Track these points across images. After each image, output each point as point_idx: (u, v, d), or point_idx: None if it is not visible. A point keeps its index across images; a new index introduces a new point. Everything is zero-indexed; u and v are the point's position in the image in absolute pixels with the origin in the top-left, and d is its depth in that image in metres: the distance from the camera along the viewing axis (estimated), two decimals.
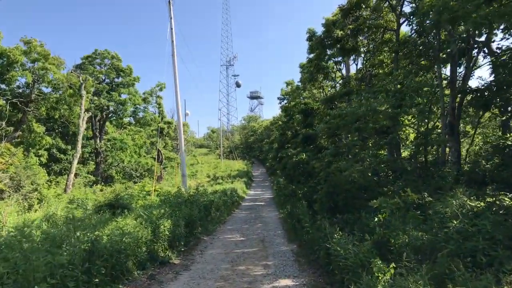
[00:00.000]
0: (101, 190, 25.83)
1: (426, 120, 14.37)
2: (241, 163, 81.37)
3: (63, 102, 33.29)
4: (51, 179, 35.65)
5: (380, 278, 5.90)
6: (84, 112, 31.77)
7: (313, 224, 12.75)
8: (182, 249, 12.30)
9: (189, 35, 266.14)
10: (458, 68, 14.67)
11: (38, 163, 34.62)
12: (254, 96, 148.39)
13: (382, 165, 14.12)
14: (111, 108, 44.72)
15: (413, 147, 15.30)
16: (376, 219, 8.74)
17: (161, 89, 54.62)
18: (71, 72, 32.98)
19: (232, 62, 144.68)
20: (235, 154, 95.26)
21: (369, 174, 12.68)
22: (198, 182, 51.83)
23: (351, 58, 25.96)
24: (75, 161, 30.36)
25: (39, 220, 13.41)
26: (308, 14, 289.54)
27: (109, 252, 8.21)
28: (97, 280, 7.44)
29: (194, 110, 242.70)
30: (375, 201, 8.81)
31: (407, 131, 18.14)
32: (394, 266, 6.02)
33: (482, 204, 7.66)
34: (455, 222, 6.95)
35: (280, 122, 49.89)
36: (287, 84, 40.65)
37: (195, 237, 14.51)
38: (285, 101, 40.64)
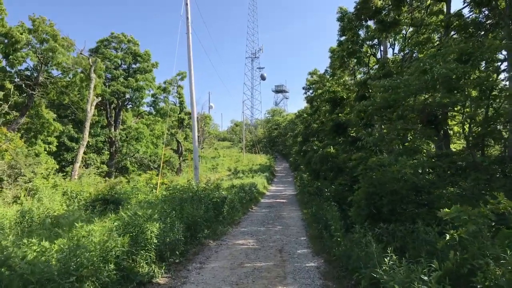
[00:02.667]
0: (105, 182, 23.54)
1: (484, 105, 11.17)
2: (264, 157, 79.08)
3: (73, 86, 31.12)
4: (61, 168, 33.77)
5: None
6: (93, 97, 29.46)
7: (347, 234, 9.88)
8: (177, 261, 9.59)
9: (214, 29, 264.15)
10: None
11: (46, 151, 32.72)
12: (279, 90, 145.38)
13: (435, 160, 11.06)
14: (127, 96, 42.49)
15: (471, 139, 12.17)
16: (447, 236, 5.80)
17: (182, 79, 52.35)
18: (81, 54, 30.72)
19: (257, 55, 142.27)
20: (257, 148, 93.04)
21: (425, 171, 9.68)
22: (218, 175, 49.89)
23: (389, 39, 22.81)
24: (81, 150, 28.12)
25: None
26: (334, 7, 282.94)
27: (46, 277, 5.55)
28: None
29: (218, 104, 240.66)
30: (446, 209, 5.85)
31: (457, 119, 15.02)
32: None
33: None
34: None
35: (305, 115, 46.90)
36: (311, 74, 37.50)
37: (198, 243, 11.80)
38: (311, 91, 37.51)
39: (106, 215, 12.53)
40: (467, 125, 15.20)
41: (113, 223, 8.54)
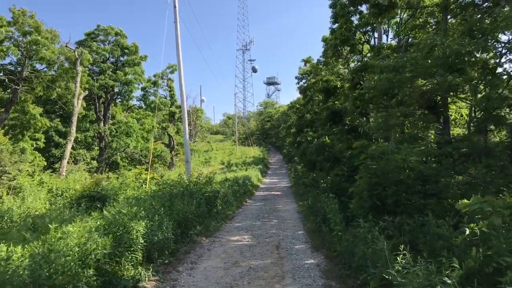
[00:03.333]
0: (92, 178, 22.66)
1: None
2: (257, 150, 78.52)
3: (60, 80, 30.08)
4: (50, 165, 32.85)
5: None
6: (79, 90, 28.46)
7: (348, 228, 9.24)
8: (166, 261, 8.88)
9: (204, 22, 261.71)
10: None
11: (33, 148, 31.74)
12: (270, 82, 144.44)
13: (439, 147, 10.41)
14: (116, 90, 41.43)
15: (473, 124, 11.55)
16: (467, 230, 5.15)
17: (172, 72, 51.46)
18: (66, 46, 29.64)
19: (248, 47, 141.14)
20: (250, 140, 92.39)
21: (430, 159, 9.02)
22: (211, 169, 49.16)
23: (384, 25, 22.10)
24: (69, 145, 27.19)
25: None
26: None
27: None
28: None
29: (210, 97, 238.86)
30: (464, 200, 5.19)
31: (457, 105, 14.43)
32: None
33: None
34: None
35: (298, 106, 46.24)
36: (305, 61, 36.61)
37: (189, 240, 11.08)
38: (304, 81, 36.75)
39: (90, 214, 11.81)
40: (467, 111, 14.64)
41: (95, 223, 7.80)
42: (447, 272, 4.49)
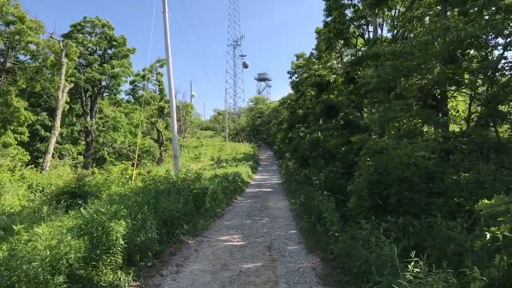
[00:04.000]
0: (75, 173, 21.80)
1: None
2: (247, 146, 77.80)
3: (44, 72, 29.05)
4: (34, 160, 31.89)
5: None
6: (64, 83, 27.46)
7: (345, 228, 8.63)
8: (149, 264, 8.18)
9: (195, 17, 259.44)
10: None
11: (17, 142, 30.72)
12: (261, 78, 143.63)
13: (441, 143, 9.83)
14: (104, 83, 40.38)
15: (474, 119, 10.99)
16: (487, 235, 4.54)
17: (161, 66, 50.48)
18: (51, 37, 28.60)
19: (239, 42, 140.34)
20: (241, 136, 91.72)
21: (434, 155, 8.41)
22: (200, 165, 48.37)
23: (379, 17, 21.50)
24: (53, 140, 26.21)
25: None
26: None
27: None
28: None
29: (200, 93, 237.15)
30: (485, 201, 4.57)
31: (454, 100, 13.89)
32: None
33: None
34: None
35: (289, 101, 45.59)
36: (298, 56, 35.95)
37: (175, 240, 10.39)
38: (296, 76, 36.07)
39: (69, 212, 11.04)
40: (463, 106, 14.13)
41: (71, 223, 7.08)
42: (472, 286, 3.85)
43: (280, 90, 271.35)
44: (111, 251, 7.06)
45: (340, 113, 13.09)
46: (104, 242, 7.03)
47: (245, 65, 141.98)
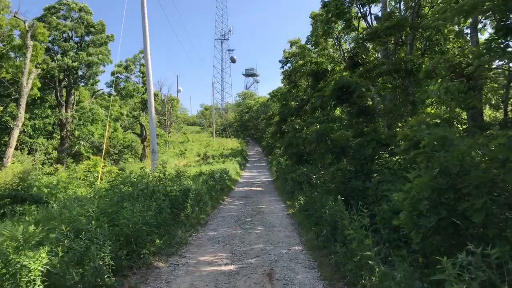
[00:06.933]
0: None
1: None
2: (235, 142, 75.21)
3: (8, 56, 25.82)
4: None
5: None
6: (30, 68, 24.27)
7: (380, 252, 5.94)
8: None
9: (183, 9, 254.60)
10: None
11: None
12: (249, 74, 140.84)
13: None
14: (80, 72, 37.05)
15: None
16: None
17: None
18: (15, 16, 25.30)
19: (227, 36, 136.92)
20: (228, 132, 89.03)
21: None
22: (186, 161, 45.51)
23: None
24: (16, 132, 23.03)
25: None
26: None
27: None
28: None
29: (187, 88, 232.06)
30: None
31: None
32: None
33: None
34: None
35: (279, 95, 42.89)
36: (292, 43, 33.12)
37: (141, 264, 7.60)
38: (289, 65, 33.28)
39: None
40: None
41: None
42: None
43: (268, 86, 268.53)
44: None
45: (354, 96, 10.41)
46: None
47: (233, 60, 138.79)
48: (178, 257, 8.55)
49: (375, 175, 10.39)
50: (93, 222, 6.56)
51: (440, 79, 9.07)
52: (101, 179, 14.52)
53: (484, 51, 7.71)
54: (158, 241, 8.84)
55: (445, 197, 4.86)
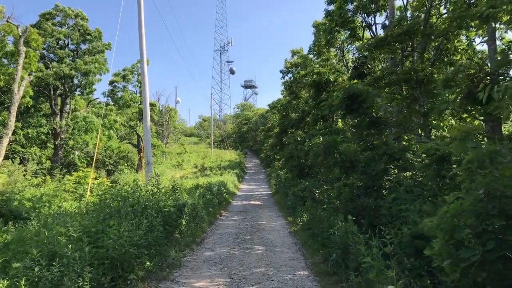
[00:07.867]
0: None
1: None
2: (233, 153, 74.28)
3: (2, 63, 25.02)
4: None
5: None
6: (22, 75, 23.42)
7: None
8: None
9: (183, 21, 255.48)
10: None
11: None
12: (248, 85, 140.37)
13: None
14: (76, 81, 36.25)
15: None
16: None
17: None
18: (8, 21, 24.53)
19: (226, 48, 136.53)
20: (226, 143, 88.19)
21: None
22: (183, 173, 44.59)
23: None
24: (5, 140, 22.02)
25: None
26: (305, 3, 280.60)
27: None
28: None
29: (185, 99, 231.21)
30: None
31: None
32: None
33: None
34: None
35: (279, 106, 42.14)
36: (294, 53, 32.46)
37: None
38: (290, 75, 32.62)
39: None
40: None
41: None
42: None
43: (266, 98, 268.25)
44: None
45: (364, 106, 9.61)
46: None
47: (232, 71, 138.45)
48: (170, 282, 7.63)
49: (385, 192, 9.59)
50: (70, 246, 5.64)
51: (458, 89, 8.28)
52: (91, 191, 13.60)
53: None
54: (148, 263, 7.91)
55: (492, 225, 4.01)
